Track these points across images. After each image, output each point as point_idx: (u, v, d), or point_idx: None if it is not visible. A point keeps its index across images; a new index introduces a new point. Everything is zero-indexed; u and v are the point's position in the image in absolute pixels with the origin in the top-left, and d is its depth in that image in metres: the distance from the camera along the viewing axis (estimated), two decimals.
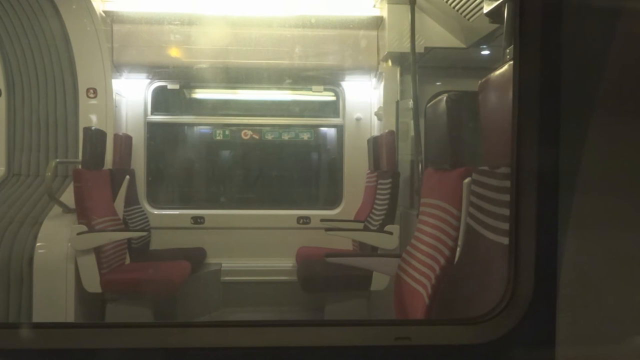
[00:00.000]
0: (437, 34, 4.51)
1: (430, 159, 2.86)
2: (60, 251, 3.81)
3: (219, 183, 5.77)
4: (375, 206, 4.52)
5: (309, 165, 5.82)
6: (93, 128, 4.16)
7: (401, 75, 4.83)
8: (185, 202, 5.58)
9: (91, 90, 4.36)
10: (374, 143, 4.94)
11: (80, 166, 4.10)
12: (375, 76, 5.15)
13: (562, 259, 1.24)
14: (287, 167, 5.74)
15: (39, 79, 4.34)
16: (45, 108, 4.36)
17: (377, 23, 4.86)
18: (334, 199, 5.51)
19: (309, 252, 4.75)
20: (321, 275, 4.10)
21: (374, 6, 4.84)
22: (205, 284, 4.82)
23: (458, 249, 2.02)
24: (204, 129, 5.65)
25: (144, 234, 4.83)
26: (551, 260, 1.25)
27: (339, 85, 5.43)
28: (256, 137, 5.51)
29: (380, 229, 4.10)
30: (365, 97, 5.37)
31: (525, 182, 1.28)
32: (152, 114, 5.34)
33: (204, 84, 5.41)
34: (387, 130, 4.58)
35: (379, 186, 4.55)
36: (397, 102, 4.82)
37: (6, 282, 3.81)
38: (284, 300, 4.77)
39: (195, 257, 4.83)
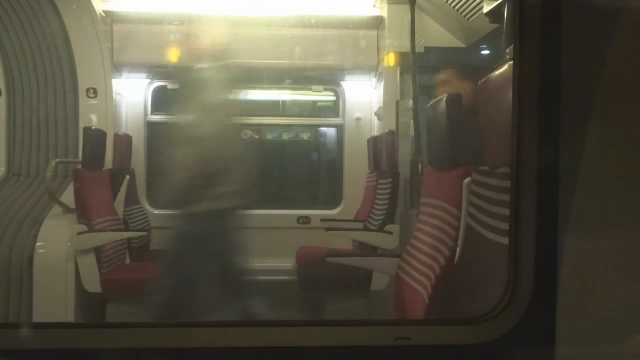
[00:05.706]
0: (437, 34, 4.50)
1: (430, 159, 2.86)
2: (61, 251, 3.80)
3: None
4: (375, 206, 4.51)
5: (309, 165, 5.81)
6: (93, 128, 4.15)
7: (401, 75, 4.82)
8: None
9: (91, 90, 4.35)
10: (374, 143, 4.94)
11: (80, 166, 4.10)
12: (376, 76, 5.15)
13: (562, 259, 1.24)
14: (287, 167, 5.73)
15: (39, 79, 4.33)
16: (45, 108, 4.35)
17: (377, 23, 4.85)
18: (334, 199, 5.50)
19: (309, 252, 4.73)
20: (321, 276, 4.09)
21: (374, 6, 4.83)
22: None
23: (458, 249, 2.02)
24: None
25: (144, 234, 4.81)
26: (551, 260, 1.25)
27: (339, 85, 5.42)
28: (256, 137, 5.51)
29: (381, 229, 4.09)
30: (365, 97, 5.36)
31: (525, 182, 1.28)
32: (152, 114, 5.33)
33: None
34: (387, 131, 4.57)
35: (379, 186, 4.54)
36: (398, 102, 4.81)
37: (6, 282, 3.81)
38: (284, 300, 4.76)
39: None
